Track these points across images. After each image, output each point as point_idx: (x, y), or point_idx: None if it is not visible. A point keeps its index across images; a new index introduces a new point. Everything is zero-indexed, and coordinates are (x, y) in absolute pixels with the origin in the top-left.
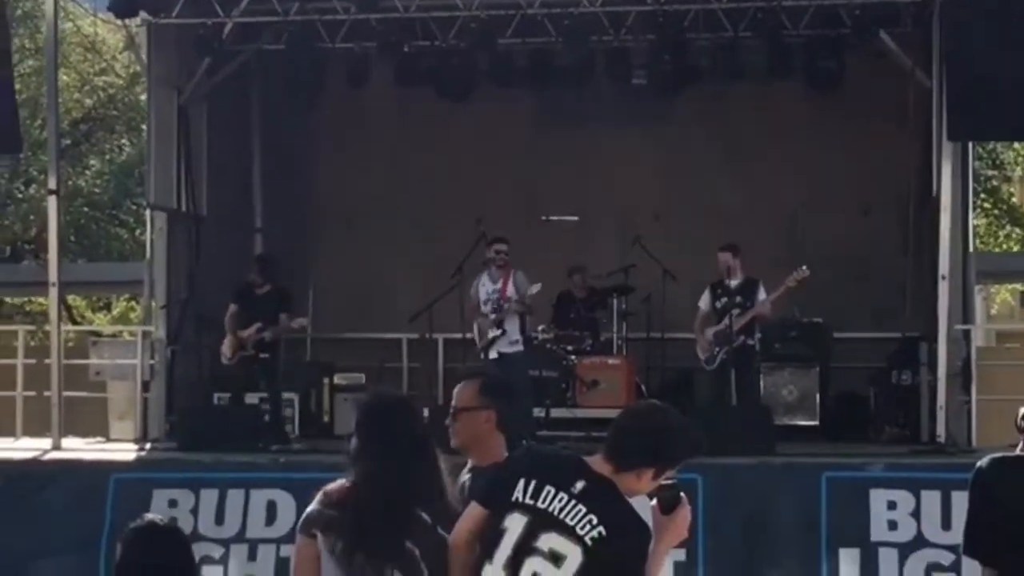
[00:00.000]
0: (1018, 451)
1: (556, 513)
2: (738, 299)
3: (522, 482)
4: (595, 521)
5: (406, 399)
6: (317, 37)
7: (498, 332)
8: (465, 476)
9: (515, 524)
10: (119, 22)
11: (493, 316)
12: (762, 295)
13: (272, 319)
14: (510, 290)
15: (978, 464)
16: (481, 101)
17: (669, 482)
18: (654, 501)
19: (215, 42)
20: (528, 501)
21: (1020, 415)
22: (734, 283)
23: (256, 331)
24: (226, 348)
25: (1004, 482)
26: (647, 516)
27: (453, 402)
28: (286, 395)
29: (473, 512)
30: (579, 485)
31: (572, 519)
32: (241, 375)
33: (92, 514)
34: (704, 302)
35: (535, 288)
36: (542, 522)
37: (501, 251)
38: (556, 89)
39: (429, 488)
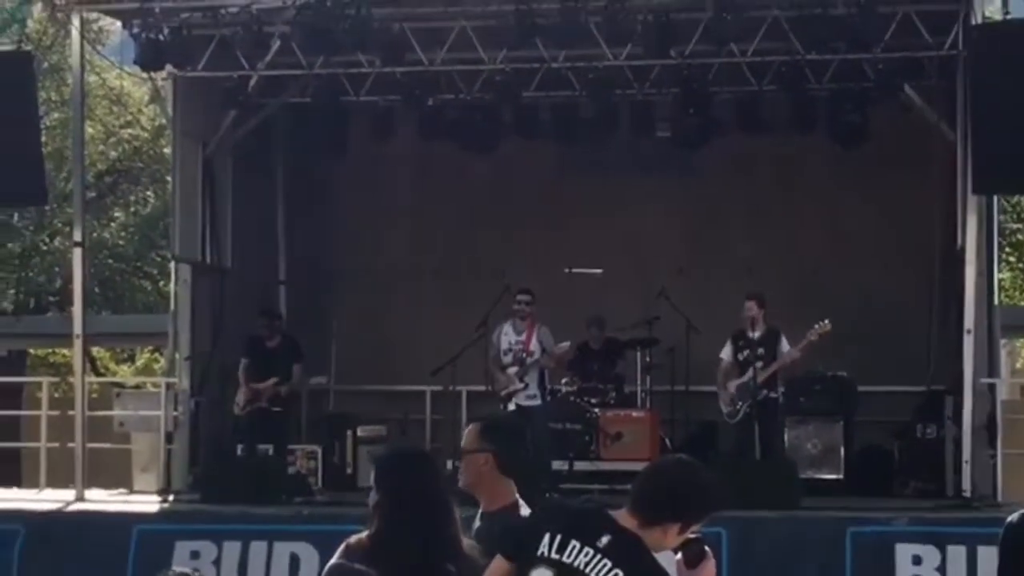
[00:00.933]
0: None
1: (582, 567)
2: (760, 351)
3: (547, 536)
4: (620, 575)
5: (424, 452)
6: (342, 90)
7: (520, 385)
8: (477, 522)
9: None
10: (145, 75)
11: (515, 369)
12: (785, 346)
13: (285, 371)
14: (533, 344)
15: (1008, 520)
16: (505, 154)
17: (693, 536)
18: (679, 555)
19: (240, 95)
20: (554, 555)
21: None
22: (756, 334)
23: (273, 385)
24: (240, 399)
25: None
26: (672, 570)
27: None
28: (310, 447)
29: (498, 565)
30: (604, 539)
31: (597, 573)
32: (252, 427)
33: (115, 566)
34: (726, 353)
35: (564, 346)
36: None
37: (524, 301)
38: (580, 142)
39: (452, 541)
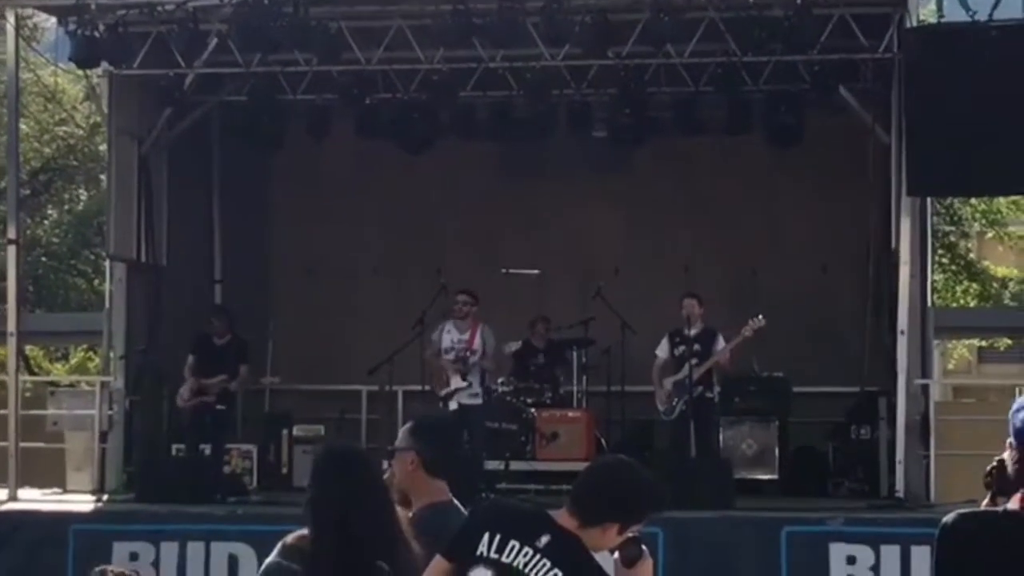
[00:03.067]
0: (983, 507)
1: (521, 567)
2: (696, 347)
3: (487, 536)
4: (560, 575)
5: (360, 451)
6: (279, 89)
7: (463, 384)
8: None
9: None
10: (80, 72)
11: (457, 367)
12: (720, 345)
13: (233, 370)
14: (476, 342)
15: (944, 521)
16: (442, 153)
17: (630, 535)
18: (616, 555)
19: (176, 92)
20: (493, 555)
21: (987, 471)
22: (692, 332)
23: (220, 381)
24: (184, 392)
25: (978, 540)
26: (610, 570)
27: None
28: (245, 447)
29: (437, 565)
30: (544, 539)
31: (537, 574)
32: (195, 423)
33: (53, 566)
34: (662, 350)
35: (514, 346)
36: None
37: (463, 302)
38: (517, 142)
39: (387, 539)
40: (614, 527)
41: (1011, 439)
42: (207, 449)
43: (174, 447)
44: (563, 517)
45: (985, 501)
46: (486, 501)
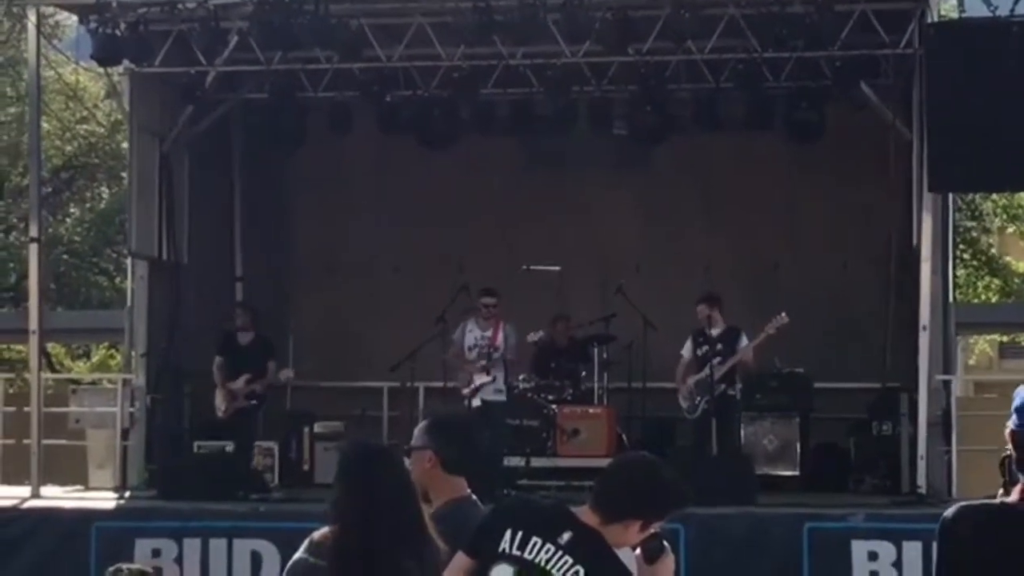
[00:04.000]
0: (998, 497)
1: (543, 564)
2: (719, 347)
3: (509, 532)
4: (582, 572)
5: (386, 448)
6: (299, 86)
7: (488, 379)
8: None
9: (502, 575)
10: (101, 70)
11: (482, 363)
12: (744, 343)
13: (259, 368)
14: (500, 339)
15: (944, 516)
16: (463, 150)
17: (653, 532)
18: (637, 551)
19: (198, 90)
20: (515, 552)
21: (1000, 461)
22: (715, 331)
23: (245, 383)
24: (219, 402)
25: (975, 533)
26: (632, 566)
27: None
28: (266, 444)
29: (460, 562)
30: (565, 536)
31: (559, 570)
32: (234, 426)
33: (76, 563)
34: (686, 350)
35: (536, 335)
36: (528, 573)
37: (488, 304)
38: (538, 138)
39: (412, 536)
40: (636, 524)
41: (1010, 423)
42: (229, 447)
43: (196, 444)
44: (585, 514)
45: (1000, 492)
46: (508, 498)
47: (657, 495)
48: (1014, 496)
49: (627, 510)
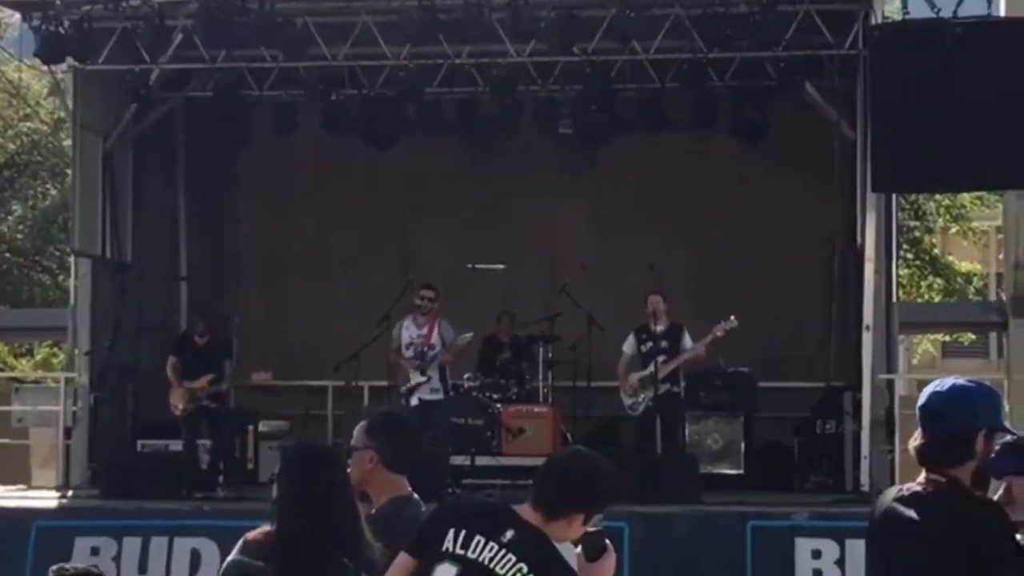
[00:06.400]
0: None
1: (486, 563)
2: (663, 344)
3: (452, 532)
4: (525, 570)
5: (327, 448)
6: (244, 85)
7: (422, 379)
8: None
9: (445, 574)
10: (45, 68)
11: (417, 363)
12: (688, 341)
13: (217, 368)
14: (434, 337)
15: (872, 513)
16: (408, 149)
17: (594, 529)
18: (579, 548)
19: (142, 88)
20: (458, 551)
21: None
22: (659, 328)
23: (208, 382)
24: (176, 400)
25: (877, 519)
26: (574, 563)
27: None
28: (210, 442)
29: (402, 562)
30: (508, 534)
31: (502, 568)
32: (187, 426)
33: (13, 562)
34: (628, 346)
35: (467, 337)
36: (472, 572)
37: (427, 297)
38: (483, 138)
39: (351, 535)
40: (579, 517)
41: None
42: (203, 446)
43: (140, 443)
44: (527, 512)
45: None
46: (450, 497)
47: (597, 487)
48: (916, 483)
49: (569, 504)
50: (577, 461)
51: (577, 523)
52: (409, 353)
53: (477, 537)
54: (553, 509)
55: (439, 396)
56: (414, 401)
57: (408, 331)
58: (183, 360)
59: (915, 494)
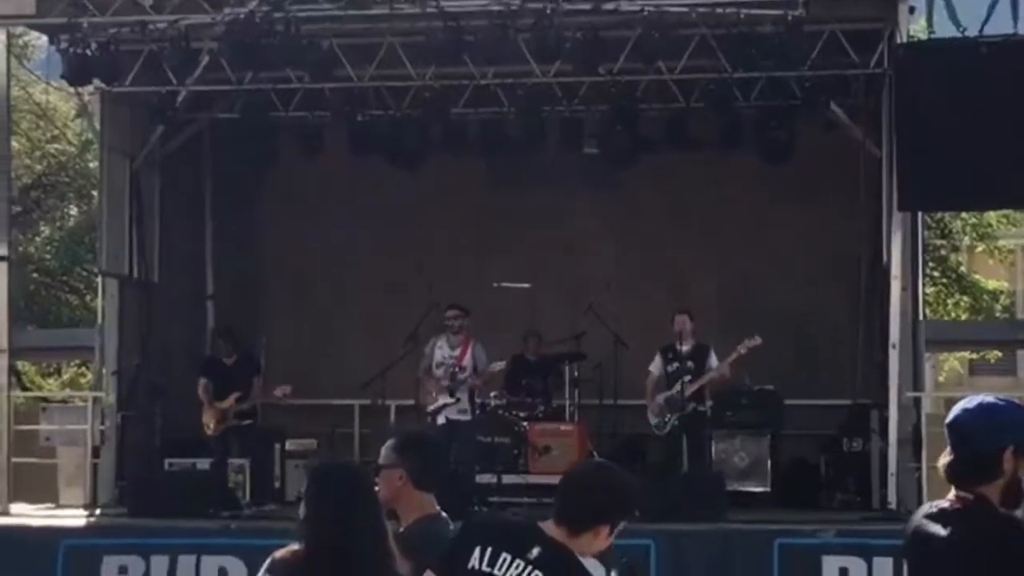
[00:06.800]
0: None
1: None
2: (689, 364)
3: (478, 550)
4: None
5: (355, 466)
6: (271, 106)
7: (451, 400)
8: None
9: None
10: (72, 90)
11: (446, 383)
12: (714, 361)
13: (246, 386)
14: (467, 360)
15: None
16: (434, 169)
17: (625, 561)
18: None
19: (169, 110)
20: (485, 568)
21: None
22: (685, 348)
23: (235, 400)
24: (208, 420)
25: (910, 538)
26: None
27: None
28: (238, 461)
29: None
30: (535, 551)
31: None
32: (225, 445)
33: None
34: (655, 367)
35: (498, 366)
36: None
37: (454, 317)
38: (508, 158)
39: (379, 554)
40: (604, 528)
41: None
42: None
43: (167, 461)
44: (551, 529)
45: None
46: (476, 515)
47: (618, 496)
48: (946, 500)
49: (593, 517)
50: (595, 473)
51: (603, 534)
52: (440, 372)
53: (503, 555)
54: (577, 523)
55: (466, 416)
56: (441, 420)
57: (441, 351)
58: (214, 381)
59: (943, 511)
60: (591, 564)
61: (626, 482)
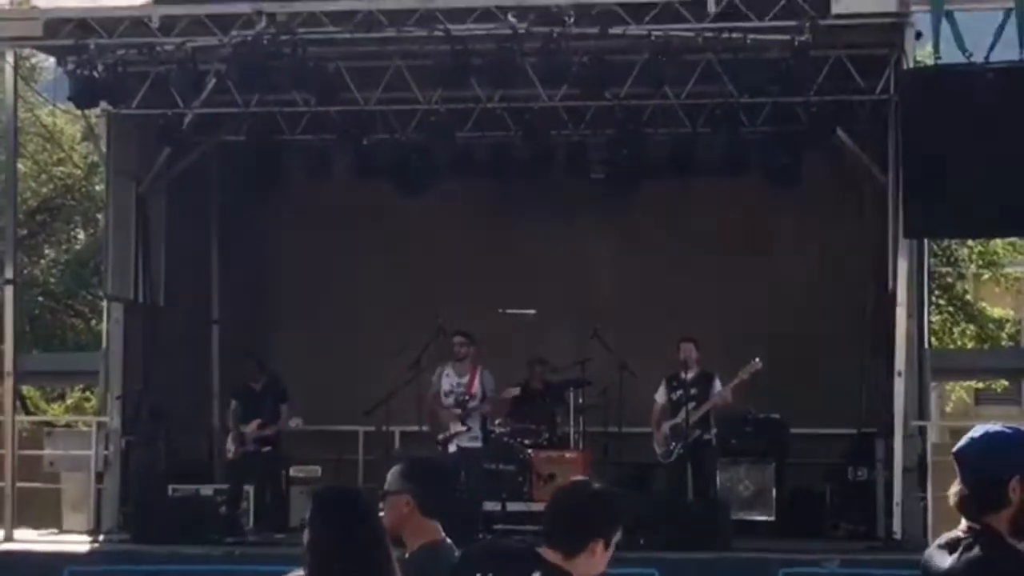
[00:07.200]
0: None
1: None
2: (693, 391)
3: None
4: None
5: (359, 492)
6: (277, 129)
7: (463, 428)
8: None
9: None
10: (78, 112)
11: (458, 411)
12: (717, 387)
13: (272, 412)
14: (476, 387)
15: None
16: (440, 193)
17: None
18: None
19: (175, 132)
20: None
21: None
22: (689, 376)
23: (257, 427)
24: (230, 444)
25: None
26: None
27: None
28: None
29: None
30: None
31: None
32: (241, 470)
33: None
34: (660, 395)
35: (512, 392)
36: None
37: (460, 344)
38: (515, 182)
39: None
40: (598, 545)
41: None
42: (242, 490)
43: (171, 487)
44: (548, 554)
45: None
46: (476, 543)
47: (605, 509)
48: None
49: (588, 534)
50: (578, 492)
51: (599, 551)
52: (449, 401)
53: None
54: (571, 545)
55: (477, 444)
56: (452, 448)
57: (449, 379)
58: (242, 405)
59: (951, 541)
60: None
61: (610, 495)
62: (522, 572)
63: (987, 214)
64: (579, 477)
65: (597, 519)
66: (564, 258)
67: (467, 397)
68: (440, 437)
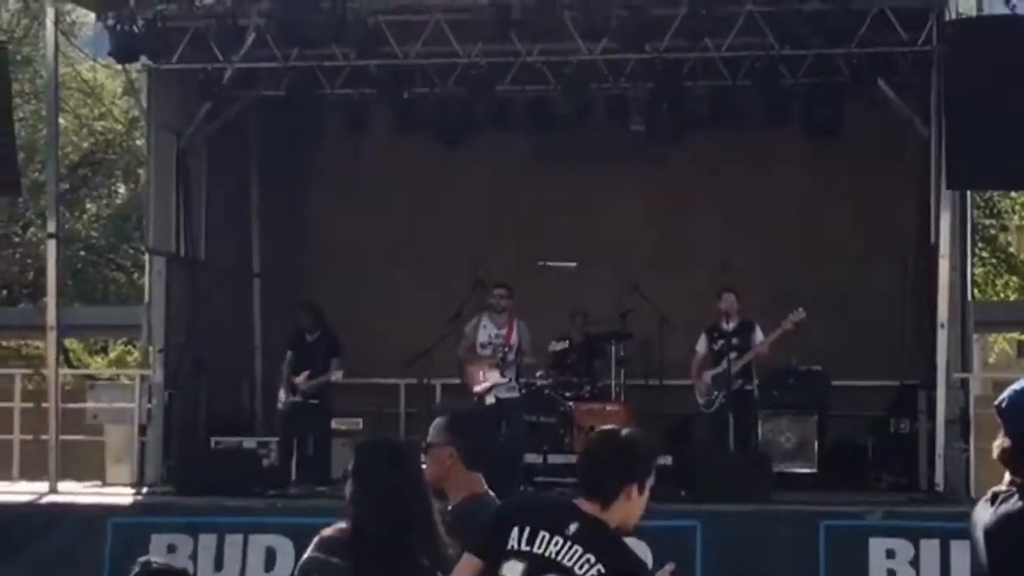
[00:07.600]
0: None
1: (553, 557)
2: (734, 341)
3: (516, 530)
4: (592, 560)
5: (401, 444)
6: (316, 83)
7: (502, 380)
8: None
9: (512, 572)
10: (119, 67)
11: (496, 361)
12: (759, 337)
13: (323, 364)
14: (513, 338)
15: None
16: (479, 147)
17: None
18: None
19: (215, 87)
20: (524, 548)
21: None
22: (730, 326)
23: (306, 378)
24: (282, 394)
25: (973, 523)
26: (647, 558)
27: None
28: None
29: (468, 563)
30: (572, 527)
31: (570, 560)
32: (291, 420)
33: (91, 559)
34: (701, 345)
35: (559, 345)
36: (540, 567)
37: (500, 295)
38: (554, 135)
39: (425, 533)
40: (632, 489)
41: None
42: (294, 441)
43: (213, 440)
44: (586, 505)
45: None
46: (511, 497)
47: (637, 452)
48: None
49: (620, 479)
50: (606, 440)
51: (634, 496)
52: (487, 351)
53: (542, 533)
54: (608, 491)
55: (515, 395)
56: (490, 399)
57: (486, 329)
58: (296, 356)
59: (995, 495)
60: (637, 546)
61: (638, 438)
62: (559, 524)
63: None
64: (603, 427)
65: (628, 463)
66: (604, 211)
67: (506, 348)
68: (478, 388)
